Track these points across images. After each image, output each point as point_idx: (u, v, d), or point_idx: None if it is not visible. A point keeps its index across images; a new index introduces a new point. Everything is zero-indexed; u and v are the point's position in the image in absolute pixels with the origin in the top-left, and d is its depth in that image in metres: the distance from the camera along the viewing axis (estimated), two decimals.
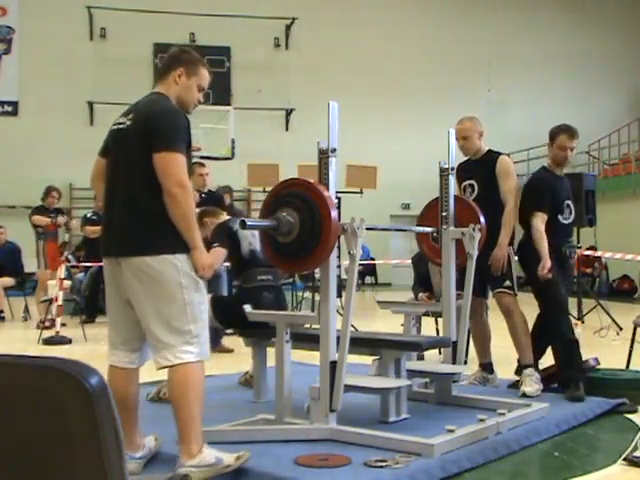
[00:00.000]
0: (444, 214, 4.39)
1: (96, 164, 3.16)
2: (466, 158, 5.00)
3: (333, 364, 3.37)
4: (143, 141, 2.87)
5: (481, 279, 4.66)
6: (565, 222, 4.84)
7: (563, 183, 4.89)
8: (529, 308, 4.83)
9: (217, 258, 4.09)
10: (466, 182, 4.92)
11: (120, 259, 2.92)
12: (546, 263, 4.52)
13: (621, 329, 7.81)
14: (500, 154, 4.93)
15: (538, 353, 4.77)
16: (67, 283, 8.48)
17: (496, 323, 5.05)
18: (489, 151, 4.95)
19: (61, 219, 9.05)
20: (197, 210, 4.66)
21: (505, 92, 20.19)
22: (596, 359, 4.78)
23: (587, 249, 10.72)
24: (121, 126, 3.00)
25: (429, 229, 4.49)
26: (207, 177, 7.50)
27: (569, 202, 4.88)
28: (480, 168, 4.87)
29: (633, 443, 3.43)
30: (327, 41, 18.98)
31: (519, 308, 4.73)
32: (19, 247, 10.26)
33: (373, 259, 16.06)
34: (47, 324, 7.86)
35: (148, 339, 2.95)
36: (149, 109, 2.96)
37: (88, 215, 9.59)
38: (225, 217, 4.91)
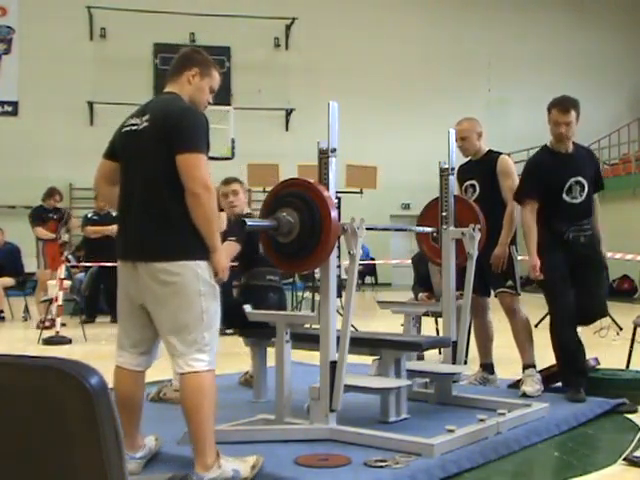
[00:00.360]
0: (444, 214, 4.39)
1: (101, 166, 3.06)
2: (467, 159, 5.01)
3: (333, 364, 3.37)
4: (162, 142, 2.77)
5: (483, 278, 4.66)
6: (573, 201, 4.41)
7: (567, 160, 4.46)
8: (531, 308, 4.82)
9: (230, 251, 3.96)
10: (467, 182, 4.93)
11: (138, 264, 2.84)
12: (534, 262, 4.31)
13: (621, 329, 7.80)
14: (500, 154, 4.94)
15: None
16: (67, 283, 8.47)
17: (497, 323, 5.05)
18: (489, 151, 4.96)
19: (66, 236, 9.10)
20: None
21: (505, 92, 20.19)
22: (596, 359, 4.77)
23: None
24: (135, 127, 2.89)
25: (429, 229, 4.49)
26: None
27: (580, 179, 4.41)
28: (481, 168, 4.88)
29: (633, 443, 3.43)
30: (327, 41, 18.99)
31: (521, 308, 4.73)
32: (18, 247, 10.25)
33: (373, 259, 16.04)
34: (47, 324, 7.86)
35: (164, 344, 2.92)
36: (167, 109, 2.86)
37: (89, 215, 9.60)
38: (245, 207, 4.67)
